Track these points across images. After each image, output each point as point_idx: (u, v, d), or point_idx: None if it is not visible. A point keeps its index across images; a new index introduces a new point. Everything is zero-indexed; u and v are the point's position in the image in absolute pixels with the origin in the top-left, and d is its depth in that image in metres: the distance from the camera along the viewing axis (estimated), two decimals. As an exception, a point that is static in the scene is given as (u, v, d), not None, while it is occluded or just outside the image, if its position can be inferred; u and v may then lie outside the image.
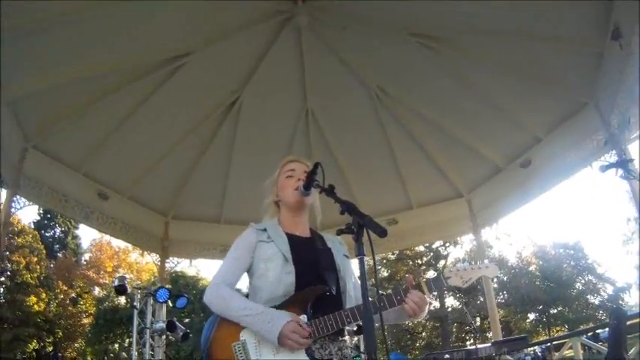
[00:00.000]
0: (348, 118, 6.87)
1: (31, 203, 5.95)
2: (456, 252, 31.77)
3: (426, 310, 2.27)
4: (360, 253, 1.80)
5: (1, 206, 5.49)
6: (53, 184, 6.14)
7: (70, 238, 34.90)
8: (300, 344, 2.02)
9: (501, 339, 6.73)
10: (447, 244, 30.71)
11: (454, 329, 31.38)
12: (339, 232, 1.93)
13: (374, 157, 7.38)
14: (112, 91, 5.66)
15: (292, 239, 2.35)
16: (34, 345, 27.33)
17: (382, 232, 1.78)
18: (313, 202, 2.50)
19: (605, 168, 4.02)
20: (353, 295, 2.32)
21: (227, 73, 6.12)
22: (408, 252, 30.75)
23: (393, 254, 28.50)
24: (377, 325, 1.89)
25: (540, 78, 5.56)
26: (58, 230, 35.33)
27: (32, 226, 32.11)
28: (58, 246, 34.76)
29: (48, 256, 30.97)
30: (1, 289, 28.35)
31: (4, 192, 5.53)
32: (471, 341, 29.35)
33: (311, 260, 2.31)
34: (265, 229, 2.38)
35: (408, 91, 6.35)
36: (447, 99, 6.24)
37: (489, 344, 6.23)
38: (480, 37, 5.39)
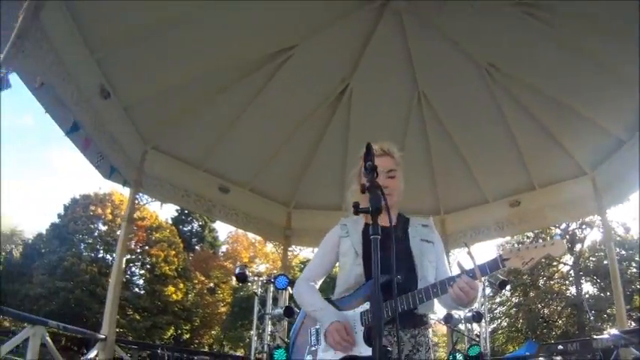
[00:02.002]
0: (461, 99, 6.67)
1: (153, 200, 6.47)
2: (594, 234, 29.36)
3: (477, 297, 2.13)
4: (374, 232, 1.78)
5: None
6: (174, 181, 6.69)
7: (207, 231, 36.77)
8: (338, 344, 2.10)
9: (627, 329, 6.10)
10: (584, 227, 28.47)
11: (591, 317, 29.29)
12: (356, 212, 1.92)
13: (491, 136, 7.07)
14: (223, 89, 6.04)
15: (367, 231, 2.35)
16: (171, 332, 29.42)
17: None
18: (397, 196, 2.43)
19: None
20: (431, 280, 2.25)
21: (333, 62, 6.25)
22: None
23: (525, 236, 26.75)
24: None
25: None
26: (195, 225, 37.41)
27: (170, 222, 34.54)
28: (195, 239, 36.95)
29: (186, 249, 33.09)
30: (141, 281, 30.83)
31: (128, 190, 6.13)
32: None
33: (381, 251, 2.32)
34: (346, 224, 2.44)
35: (520, 65, 6.03)
36: (562, 71, 5.84)
37: (608, 335, 5.67)
38: (592, 2, 4.95)
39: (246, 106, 6.40)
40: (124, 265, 6.04)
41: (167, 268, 30.04)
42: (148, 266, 30.93)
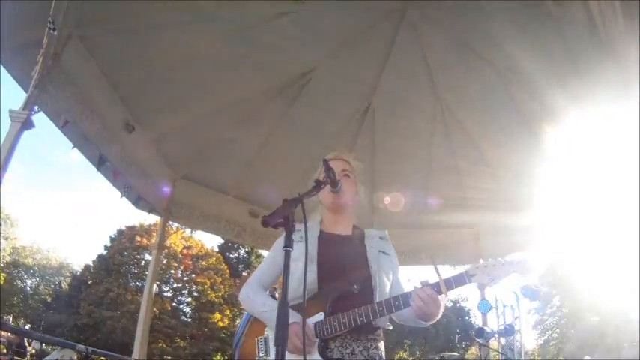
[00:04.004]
0: (484, 108, 6.45)
1: (183, 227, 6.62)
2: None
3: (438, 311, 2.08)
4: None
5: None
6: (204, 208, 6.79)
7: (253, 257, 37.01)
8: (298, 349, 2.01)
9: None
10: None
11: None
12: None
13: (517, 149, 6.83)
14: (247, 116, 6.13)
15: (323, 238, 2.36)
16: (218, 358, 29.56)
17: None
18: (351, 199, 2.46)
19: None
20: (388, 292, 2.23)
21: (354, 82, 6.21)
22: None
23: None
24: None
25: None
26: (242, 251, 37.79)
27: (217, 249, 35.02)
28: (242, 265, 37.26)
29: (232, 275, 33.39)
30: (188, 309, 31.21)
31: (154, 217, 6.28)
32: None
33: (337, 259, 2.28)
34: (300, 230, 2.34)
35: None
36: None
37: None
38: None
39: (272, 131, 6.46)
40: (154, 291, 6.18)
41: (213, 295, 30.44)
42: (195, 294, 31.33)
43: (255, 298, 2.31)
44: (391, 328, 2.35)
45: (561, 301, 30.90)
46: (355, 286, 2.18)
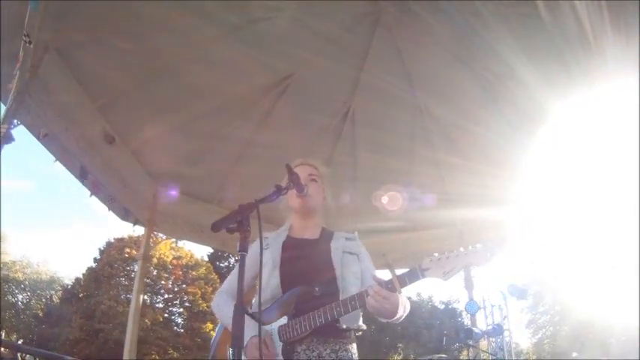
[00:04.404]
0: (463, 110, 6.49)
1: (168, 237, 6.62)
2: None
3: (394, 309, 2.03)
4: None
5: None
6: (188, 217, 6.74)
7: (244, 265, 36.82)
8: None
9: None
10: None
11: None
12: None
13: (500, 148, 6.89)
14: (227, 123, 6.12)
15: (288, 243, 2.40)
16: (211, 368, 29.45)
17: None
18: (318, 202, 2.52)
19: None
20: (354, 293, 2.18)
21: (332, 87, 6.25)
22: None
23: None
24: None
25: None
26: (232, 260, 37.49)
27: (207, 259, 34.88)
28: (232, 275, 36.97)
29: (223, 284, 33.25)
30: (180, 320, 31.08)
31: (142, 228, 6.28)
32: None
33: (299, 263, 2.31)
34: (267, 237, 2.45)
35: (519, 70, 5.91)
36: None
37: None
38: None
39: (253, 137, 6.45)
40: (146, 303, 6.13)
41: (205, 305, 30.31)
42: (187, 304, 31.21)
43: (225, 309, 2.31)
44: (364, 328, 2.32)
45: (553, 299, 31.01)
46: (317, 289, 2.19)
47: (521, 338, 32.64)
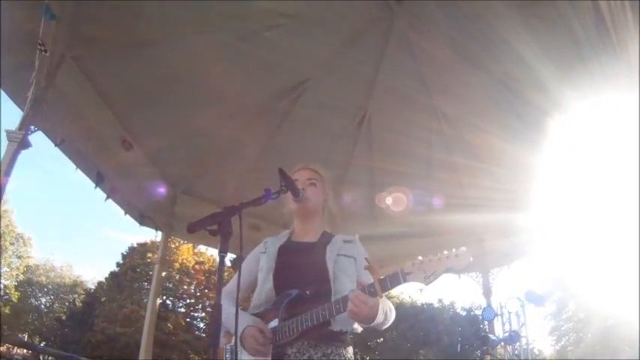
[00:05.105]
0: (480, 114, 6.41)
1: (185, 242, 6.67)
2: None
3: (374, 314, 1.99)
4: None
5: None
6: (205, 223, 6.75)
7: (264, 271, 37.05)
8: (254, 349, 2.08)
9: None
10: None
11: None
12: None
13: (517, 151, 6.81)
14: (244, 128, 6.15)
15: (285, 247, 2.41)
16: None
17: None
18: (318, 205, 2.51)
19: None
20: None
21: (348, 92, 6.24)
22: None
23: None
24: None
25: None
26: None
27: (229, 264, 35.08)
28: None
29: (246, 289, 33.58)
30: (202, 324, 31.29)
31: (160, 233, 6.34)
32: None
33: (293, 266, 2.31)
34: (267, 242, 2.50)
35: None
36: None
37: None
38: None
39: (270, 141, 6.48)
40: (157, 305, 6.22)
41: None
42: (209, 309, 31.45)
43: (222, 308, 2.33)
44: (359, 331, 2.29)
45: (577, 306, 30.55)
46: (308, 291, 2.18)
47: (544, 345, 32.29)
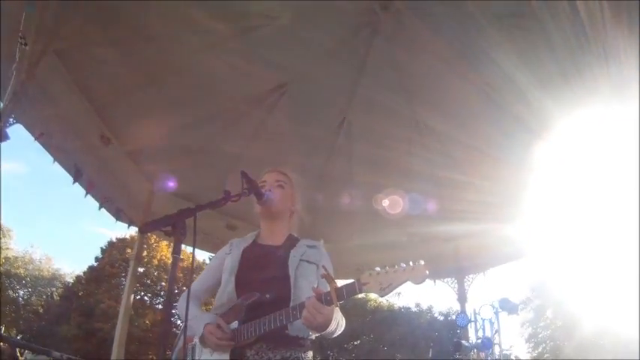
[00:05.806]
0: (461, 124, 6.45)
1: (162, 239, 6.67)
2: None
3: (327, 322, 2.02)
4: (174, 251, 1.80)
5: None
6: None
7: (242, 269, 36.90)
8: (216, 345, 2.13)
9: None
10: None
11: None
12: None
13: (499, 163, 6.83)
14: (224, 128, 6.16)
15: (249, 249, 2.45)
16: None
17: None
18: (283, 208, 2.54)
19: None
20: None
21: (328, 98, 6.26)
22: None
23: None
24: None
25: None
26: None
27: (208, 262, 34.96)
28: (231, 276, 37.25)
29: (222, 286, 33.52)
30: (180, 321, 31.12)
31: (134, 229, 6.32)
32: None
33: (255, 269, 2.34)
34: (232, 243, 2.56)
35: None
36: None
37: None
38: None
39: (249, 143, 6.47)
40: (132, 301, 6.20)
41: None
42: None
43: (183, 308, 2.29)
44: (312, 338, 2.30)
45: (554, 314, 30.80)
46: (268, 295, 2.21)
47: (521, 352, 32.51)
